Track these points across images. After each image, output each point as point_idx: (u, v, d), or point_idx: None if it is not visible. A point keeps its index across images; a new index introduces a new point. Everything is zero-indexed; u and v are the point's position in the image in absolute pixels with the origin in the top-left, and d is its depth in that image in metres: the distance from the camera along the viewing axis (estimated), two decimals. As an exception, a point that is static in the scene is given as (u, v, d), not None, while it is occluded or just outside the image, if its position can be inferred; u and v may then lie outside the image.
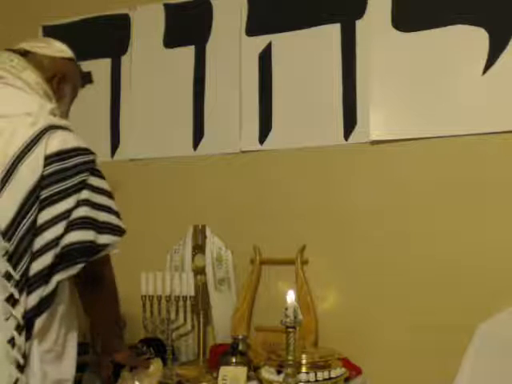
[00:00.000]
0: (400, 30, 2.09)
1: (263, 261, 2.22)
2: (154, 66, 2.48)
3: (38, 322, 1.46)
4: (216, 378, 1.84)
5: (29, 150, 1.47)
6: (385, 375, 1.97)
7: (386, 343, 2.03)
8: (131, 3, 2.52)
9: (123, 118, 2.52)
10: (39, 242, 1.46)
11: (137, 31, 2.52)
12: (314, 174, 2.20)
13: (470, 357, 1.58)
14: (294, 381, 1.62)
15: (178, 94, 2.43)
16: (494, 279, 1.91)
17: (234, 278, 2.27)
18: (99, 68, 2.54)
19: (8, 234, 1.44)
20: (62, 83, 1.71)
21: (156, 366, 1.79)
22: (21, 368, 1.43)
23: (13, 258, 1.44)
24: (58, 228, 1.46)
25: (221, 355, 1.96)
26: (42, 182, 1.47)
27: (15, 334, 1.42)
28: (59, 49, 1.74)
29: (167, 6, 2.47)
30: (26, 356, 1.44)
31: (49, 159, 1.48)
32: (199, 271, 2.25)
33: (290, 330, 1.59)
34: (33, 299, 1.45)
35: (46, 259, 1.46)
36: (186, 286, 2.09)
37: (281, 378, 1.70)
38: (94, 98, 2.51)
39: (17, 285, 1.43)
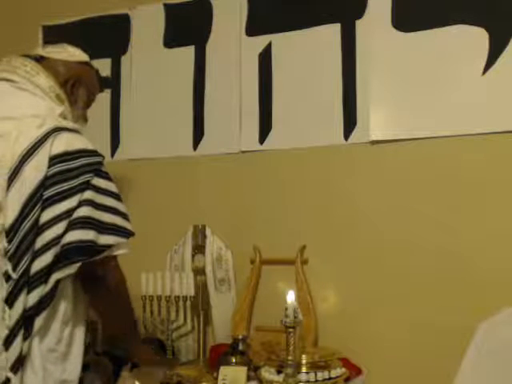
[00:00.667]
0: (400, 30, 2.09)
1: (263, 261, 2.22)
2: (154, 66, 2.48)
3: (38, 321, 1.47)
4: (216, 378, 1.84)
5: (34, 151, 1.50)
6: (385, 375, 1.97)
7: (386, 343, 2.03)
8: (131, 3, 2.52)
9: (123, 118, 2.52)
10: (40, 241, 1.48)
11: (137, 31, 2.52)
12: (314, 174, 2.20)
13: (470, 357, 1.58)
14: (294, 381, 1.62)
15: (177, 94, 2.43)
16: (494, 279, 1.91)
17: (234, 278, 2.27)
18: (99, 68, 2.53)
19: (10, 232, 1.46)
20: (76, 87, 1.75)
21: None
22: (15, 368, 1.43)
23: (14, 256, 1.45)
24: (59, 227, 1.48)
25: (221, 355, 1.96)
26: (46, 182, 1.49)
27: (10, 333, 1.42)
28: (73, 53, 1.79)
29: (167, 6, 2.47)
30: (23, 355, 1.44)
31: (53, 160, 1.50)
32: (199, 271, 2.25)
33: (290, 329, 1.59)
34: (33, 298, 1.46)
35: (47, 258, 1.47)
36: (185, 286, 2.09)
37: (281, 378, 1.70)
38: (94, 98, 2.51)
39: (16, 284, 1.44)
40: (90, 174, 1.53)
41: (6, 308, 1.43)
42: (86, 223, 1.50)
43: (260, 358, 1.97)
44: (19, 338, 1.43)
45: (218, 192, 2.33)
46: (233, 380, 1.81)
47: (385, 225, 2.09)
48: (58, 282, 1.49)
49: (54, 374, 1.51)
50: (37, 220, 1.47)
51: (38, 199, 1.47)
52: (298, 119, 2.23)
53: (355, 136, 2.14)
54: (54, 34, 2.62)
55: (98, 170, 1.56)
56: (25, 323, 1.44)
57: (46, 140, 1.51)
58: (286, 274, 2.15)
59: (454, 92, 2.02)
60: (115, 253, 1.57)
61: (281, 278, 2.18)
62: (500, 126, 1.95)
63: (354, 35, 2.16)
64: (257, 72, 2.30)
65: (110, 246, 1.54)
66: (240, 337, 1.99)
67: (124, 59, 2.54)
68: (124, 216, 1.59)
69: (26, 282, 1.45)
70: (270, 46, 2.29)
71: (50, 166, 1.49)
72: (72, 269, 1.48)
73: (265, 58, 2.29)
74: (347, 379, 1.87)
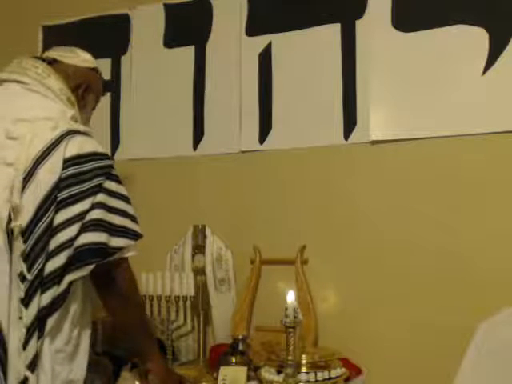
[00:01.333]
0: (400, 30, 2.09)
1: (263, 261, 2.22)
2: (154, 66, 2.48)
3: (50, 321, 1.49)
4: (216, 378, 1.84)
5: (48, 153, 1.51)
6: (385, 375, 1.97)
7: (386, 343, 2.03)
8: (131, 3, 2.52)
9: (123, 117, 2.53)
10: (54, 243, 1.49)
11: (137, 31, 2.52)
12: (314, 174, 2.21)
13: (470, 357, 1.58)
14: (294, 381, 1.62)
15: (177, 94, 2.43)
16: (494, 279, 1.91)
17: (234, 278, 2.27)
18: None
19: (25, 234, 1.47)
20: (87, 92, 1.79)
21: None
22: (32, 367, 1.44)
23: (29, 258, 1.47)
24: (73, 229, 1.50)
25: (221, 355, 1.96)
26: (60, 184, 1.50)
27: (27, 332, 1.44)
28: (84, 58, 1.81)
29: (167, 6, 2.47)
30: (37, 355, 1.46)
31: (67, 163, 1.52)
32: (199, 271, 2.25)
33: (290, 329, 1.59)
34: (46, 298, 1.48)
35: (60, 260, 1.49)
36: (185, 286, 2.09)
37: (281, 378, 1.70)
38: (93, 98, 2.51)
39: (31, 285, 1.45)
40: (102, 177, 1.55)
41: (23, 308, 1.45)
42: (99, 226, 1.51)
43: (260, 358, 1.97)
44: (35, 338, 1.45)
45: (218, 192, 2.33)
46: (233, 380, 1.81)
47: (385, 225, 2.09)
48: (70, 283, 1.50)
49: (61, 374, 1.53)
50: (51, 222, 1.48)
51: (52, 201, 1.49)
52: (298, 119, 2.23)
53: (355, 136, 2.14)
54: (53, 34, 2.63)
55: (110, 174, 1.57)
56: (39, 324, 1.46)
57: (59, 143, 1.52)
58: (286, 274, 2.15)
59: (454, 92, 2.02)
60: (126, 255, 1.59)
61: (281, 277, 2.18)
62: (500, 126, 1.95)
63: (353, 35, 2.16)
64: (257, 72, 2.31)
65: (120, 248, 1.56)
66: (240, 337, 1.99)
67: (124, 59, 2.54)
68: (133, 218, 1.61)
69: (40, 282, 1.47)
70: (269, 46, 2.29)
71: (63, 169, 1.51)
72: (85, 271, 1.50)
73: (265, 58, 2.30)
74: (347, 379, 1.87)
